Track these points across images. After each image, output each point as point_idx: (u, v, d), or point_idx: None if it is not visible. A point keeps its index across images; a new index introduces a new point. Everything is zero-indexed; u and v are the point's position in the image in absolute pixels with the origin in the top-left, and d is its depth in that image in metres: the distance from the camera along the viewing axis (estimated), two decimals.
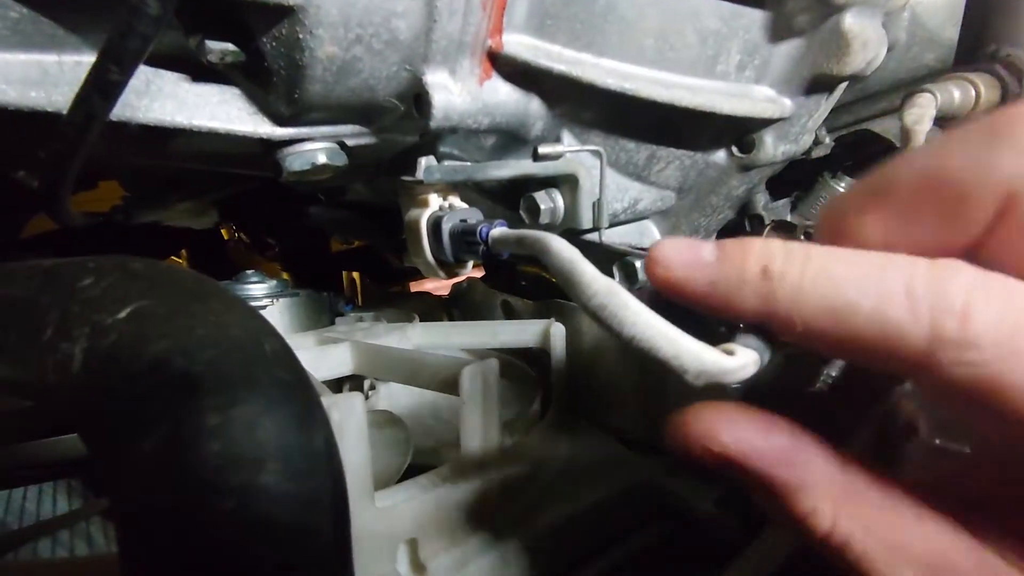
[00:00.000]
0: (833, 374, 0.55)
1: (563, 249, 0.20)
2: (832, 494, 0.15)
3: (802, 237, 0.51)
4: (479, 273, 0.77)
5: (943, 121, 0.31)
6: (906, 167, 0.14)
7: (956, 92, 0.29)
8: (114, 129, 0.25)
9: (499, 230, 0.29)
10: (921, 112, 0.28)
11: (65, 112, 0.24)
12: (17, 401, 0.41)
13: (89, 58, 0.25)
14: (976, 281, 0.12)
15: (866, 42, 0.31)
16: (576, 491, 0.39)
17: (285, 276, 0.80)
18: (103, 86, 0.20)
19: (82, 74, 0.23)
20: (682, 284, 0.15)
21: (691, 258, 0.15)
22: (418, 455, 0.41)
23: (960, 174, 0.13)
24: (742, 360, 0.17)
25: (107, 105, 0.21)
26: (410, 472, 0.35)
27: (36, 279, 0.20)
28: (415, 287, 1.03)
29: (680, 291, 0.16)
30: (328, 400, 0.27)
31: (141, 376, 0.16)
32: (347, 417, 0.27)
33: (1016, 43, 0.31)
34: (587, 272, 0.18)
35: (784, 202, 0.62)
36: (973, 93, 0.30)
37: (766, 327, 0.17)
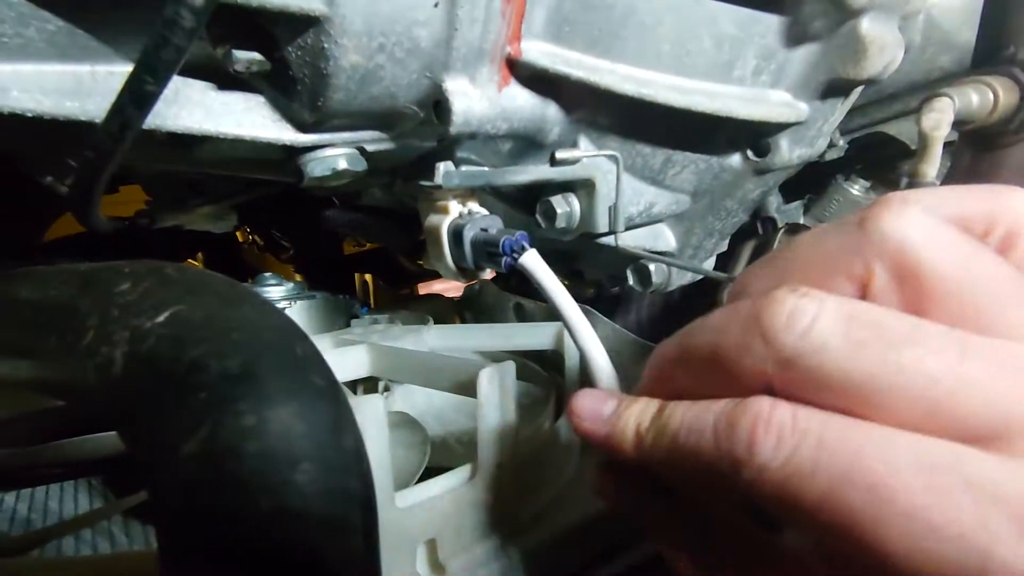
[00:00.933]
0: None
1: (581, 328, 0.21)
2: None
3: None
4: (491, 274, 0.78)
5: (961, 125, 0.31)
6: (698, 340, 0.17)
7: (974, 95, 0.29)
8: (143, 137, 0.26)
9: (530, 259, 0.28)
10: (939, 117, 0.28)
11: (98, 121, 0.24)
12: (39, 403, 0.42)
13: (122, 68, 0.26)
14: (763, 412, 0.15)
15: (883, 46, 0.31)
16: (592, 493, 0.40)
17: (299, 279, 0.81)
18: (138, 96, 0.21)
19: (115, 84, 0.24)
20: (589, 434, 0.20)
21: (594, 413, 0.20)
22: (433, 457, 0.41)
23: (728, 362, 0.16)
24: None
25: (141, 114, 0.22)
26: (425, 474, 0.35)
27: (73, 283, 0.21)
28: (424, 288, 1.04)
29: (589, 438, 0.21)
30: (351, 402, 0.28)
31: (180, 379, 0.16)
32: (369, 418, 0.27)
33: None
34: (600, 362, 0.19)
35: (796, 204, 0.62)
36: (991, 96, 0.30)
37: None
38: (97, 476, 0.49)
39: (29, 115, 0.24)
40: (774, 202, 0.60)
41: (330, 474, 0.17)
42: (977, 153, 0.37)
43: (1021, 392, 0.13)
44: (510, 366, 0.34)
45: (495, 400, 0.33)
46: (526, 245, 0.29)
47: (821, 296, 0.15)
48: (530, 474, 0.38)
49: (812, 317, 0.15)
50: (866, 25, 0.30)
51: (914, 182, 0.30)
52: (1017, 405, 0.13)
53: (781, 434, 0.14)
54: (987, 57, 0.34)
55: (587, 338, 0.22)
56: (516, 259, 0.28)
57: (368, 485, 0.18)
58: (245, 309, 0.19)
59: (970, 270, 0.15)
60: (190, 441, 0.16)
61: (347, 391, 0.35)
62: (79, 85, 0.25)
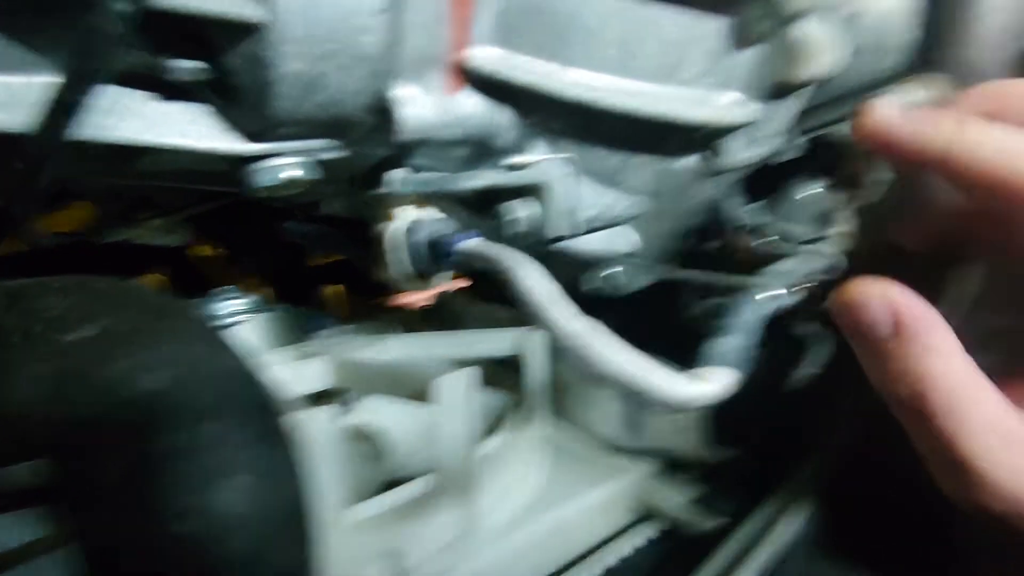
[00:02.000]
0: (813, 371, 0.56)
1: (535, 284, 0.20)
2: None
3: (775, 239, 0.52)
4: (461, 283, 0.77)
5: None
6: None
7: (918, 96, 0.30)
8: (82, 149, 0.25)
9: (470, 243, 0.29)
10: None
11: (29, 133, 0.24)
12: None
13: (55, 79, 0.25)
14: None
15: (826, 48, 0.32)
16: (560, 497, 0.40)
17: (266, 291, 0.79)
18: (67, 107, 0.20)
19: (49, 95, 0.23)
20: (886, 133, 0.22)
21: (897, 112, 0.22)
22: (400, 468, 0.41)
23: None
24: (718, 384, 0.18)
25: (71, 125, 0.21)
26: (389, 486, 0.35)
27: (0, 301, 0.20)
28: (405, 299, 1.03)
29: (883, 140, 0.22)
30: (299, 415, 0.27)
31: (105, 395, 0.16)
32: (319, 432, 0.27)
33: (967, 47, 0.32)
34: (559, 312, 0.19)
35: (760, 204, 0.64)
36: (934, 97, 0.31)
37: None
38: (46, 504, 0.47)
39: None
40: (737, 202, 0.61)
41: (262, 490, 0.16)
42: None
43: None
44: (470, 372, 0.34)
45: (454, 407, 0.33)
46: (480, 241, 0.29)
47: None
48: (494, 481, 0.37)
49: None
50: (808, 27, 0.31)
51: (853, 181, 0.30)
52: None
53: None
54: (926, 58, 0.35)
55: (541, 292, 0.21)
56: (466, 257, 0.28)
57: (306, 499, 0.18)
58: (176, 322, 0.18)
59: None
60: (115, 459, 0.15)
61: (297, 403, 0.34)
62: (10, 96, 0.24)
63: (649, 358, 0.17)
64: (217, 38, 0.25)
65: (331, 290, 0.86)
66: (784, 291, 0.24)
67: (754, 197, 0.64)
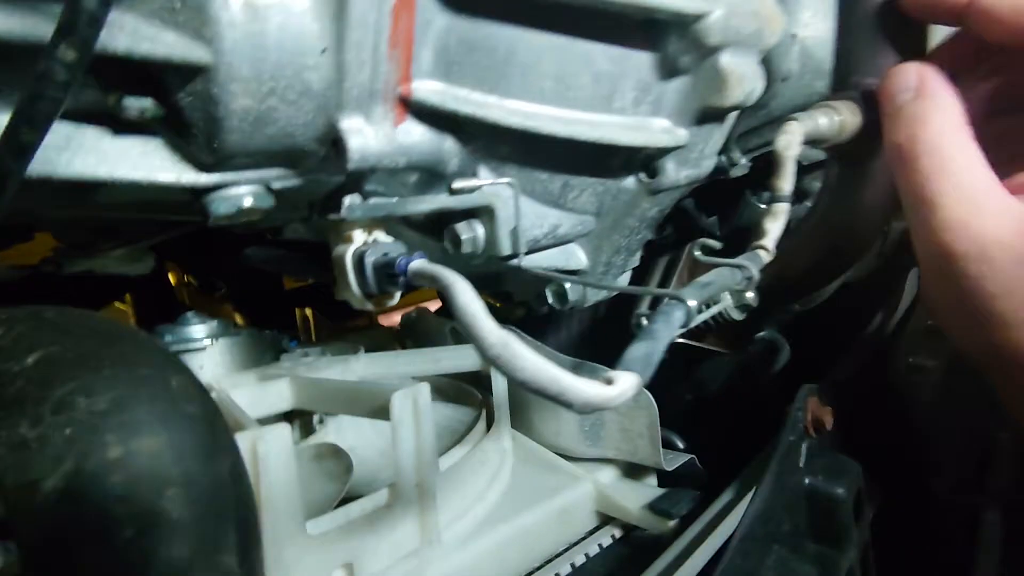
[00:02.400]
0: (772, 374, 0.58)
1: (467, 302, 0.22)
2: None
3: (698, 252, 0.55)
4: (433, 304, 0.79)
5: (816, 144, 0.35)
6: None
7: (822, 119, 0.33)
8: (35, 185, 0.26)
9: (417, 263, 0.30)
10: (789, 138, 0.32)
11: None
12: None
13: (6, 119, 0.26)
14: None
15: (742, 77, 0.34)
16: (519, 507, 0.41)
17: (236, 316, 0.79)
18: (16, 147, 0.22)
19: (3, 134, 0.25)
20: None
21: None
22: (364, 486, 0.41)
23: None
24: (620, 388, 0.20)
25: (21, 165, 0.22)
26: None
27: None
28: (385, 320, 1.03)
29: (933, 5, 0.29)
30: (255, 432, 0.28)
31: (46, 417, 0.17)
32: (272, 448, 0.28)
33: (875, 74, 0.35)
34: (485, 326, 0.21)
35: (713, 220, 0.67)
36: (838, 119, 0.33)
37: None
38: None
39: None
40: (692, 217, 0.64)
41: (200, 499, 0.17)
42: (842, 168, 0.41)
43: None
44: (423, 387, 0.35)
45: (408, 421, 0.34)
46: (423, 262, 0.30)
47: None
48: (452, 493, 0.38)
49: None
50: (725, 59, 0.34)
51: (774, 196, 0.33)
52: None
53: None
54: (840, 83, 0.38)
55: (472, 309, 0.22)
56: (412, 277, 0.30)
57: (246, 506, 0.19)
58: (121, 347, 0.19)
59: None
60: (53, 476, 0.16)
61: (253, 423, 0.35)
62: None
63: (557, 366, 0.19)
64: (166, 78, 0.26)
65: (301, 312, 0.86)
66: (694, 303, 0.26)
67: (709, 211, 0.67)
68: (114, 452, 0.16)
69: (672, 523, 0.38)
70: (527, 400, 0.51)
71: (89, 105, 0.28)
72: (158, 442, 0.17)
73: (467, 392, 0.52)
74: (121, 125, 0.29)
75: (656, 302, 0.55)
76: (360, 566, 0.32)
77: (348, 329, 0.88)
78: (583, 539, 0.41)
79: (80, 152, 0.28)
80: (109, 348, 0.19)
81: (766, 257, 0.32)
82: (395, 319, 1.09)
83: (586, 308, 0.56)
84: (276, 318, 0.83)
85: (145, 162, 0.30)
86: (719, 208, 0.67)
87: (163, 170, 0.30)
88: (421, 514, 0.35)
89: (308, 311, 0.87)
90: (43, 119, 0.21)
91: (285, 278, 0.87)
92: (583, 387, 0.19)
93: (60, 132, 0.27)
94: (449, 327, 0.67)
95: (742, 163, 0.56)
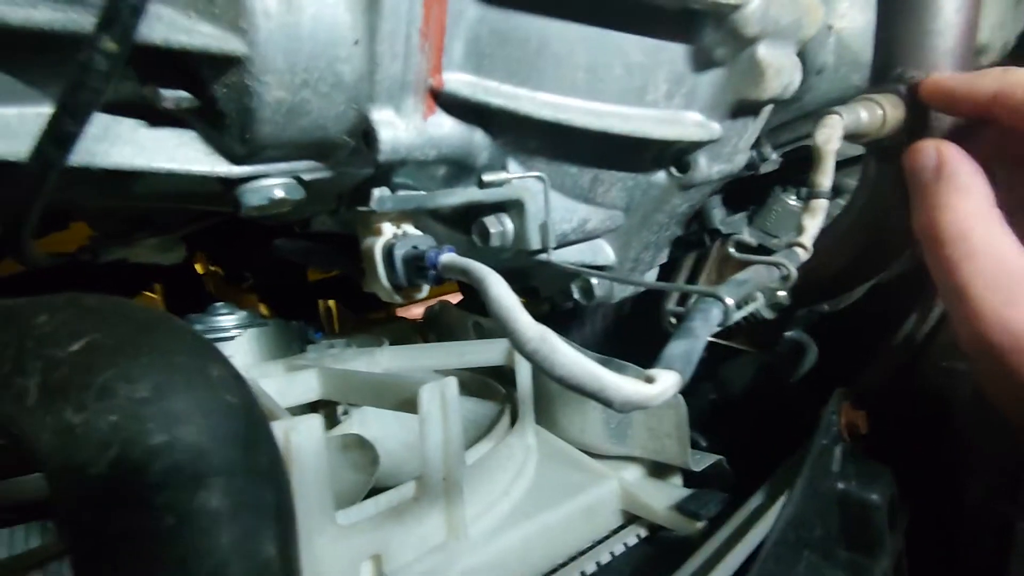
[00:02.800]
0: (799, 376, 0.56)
1: (502, 295, 0.22)
2: None
3: (733, 250, 0.54)
4: (454, 297, 0.79)
5: (856, 139, 0.33)
6: None
7: (863, 112, 0.32)
8: (76, 174, 0.27)
9: (448, 256, 0.30)
10: (830, 132, 0.31)
11: (25, 161, 0.25)
12: None
13: (48, 110, 0.26)
14: None
15: (780, 69, 0.34)
16: (544, 503, 0.41)
17: (262, 307, 0.81)
18: (59, 137, 0.22)
19: (41, 126, 0.25)
20: (946, 89, 0.29)
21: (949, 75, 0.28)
22: (388, 478, 0.42)
23: None
24: (661, 386, 0.19)
25: (63, 154, 0.23)
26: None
27: None
28: (403, 313, 1.04)
29: (944, 95, 0.29)
30: (287, 423, 0.28)
31: (90, 404, 0.17)
32: (304, 439, 0.28)
33: (919, 66, 0.34)
34: (522, 320, 0.20)
35: (740, 216, 0.65)
36: (880, 113, 0.32)
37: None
38: (47, 519, 0.48)
39: None
40: (718, 214, 0.63)
41: (238, 489, 0.17)
42: (880, 163, 0.39)
43: None
44: (451, 381, 0.35)
45: (436, 415, 0.34)
46: (452, 255, 0.30)
47: None
48: (478, 487, 0.38)
49: None
50: (762, 51, 0.33)
51: (813, 192, 0.32)
52: None
53: None
54: (881, 76, 0.37)
55: (507, 303, 0.22)
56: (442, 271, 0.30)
57: (284, 497, 0.19)
58: (159, 335, 0.19)
59: None
60: (98, 463, 0.16)
61: (285, 412, 0.35)
62: (6, 127, 0.26)
63: (597, 363, 0.19)
64: (202, 70, 0.26)
65: (324, 304, 0.87)
66: (731, 302, 0.25)
67: (736, 208, 0.66)
68: (157, 440, 0.17)
69: (700, 525, 0.38)
70: (551, 396, 0.51)
71: (126, 97, 0.28)
72: (199, 431, 0.17)
73: (490, 387, 0.52)
74: (157, 117, 0.30)
75: (685, 299, 0.54)
76: (388, 557, 0.32)
77: (370, 321, 0.89)
78: (608, 537, 0.41)
79: (118, 143, 0.28)
80: (148, 336, 0.19)
81: (803, 255, 0.31)
82: (413, 312, 1.10)
83: (610, 304, 0.55)
84: (300, 309, 0.84)
85: (180, 153, 0.30)
86: (744, 205, 0.66)
87: (197, 161, 0.31)
88: (448, 508, 0.35)
89: (331, 303, 0.88)
90: (85, 109, 0.22)
91: (309, 270, 0.88)
92: (623, 384, 0.18)
93: (99, 123, 0.27)
94: (472, 321, 0.67)
95: (772, 158, 0.55)
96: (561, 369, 0.19)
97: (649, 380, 0.19)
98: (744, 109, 0.36)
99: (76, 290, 0.22)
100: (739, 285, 0.27)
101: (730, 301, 0.26)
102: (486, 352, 0.48)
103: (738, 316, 0.31)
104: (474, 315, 0.68)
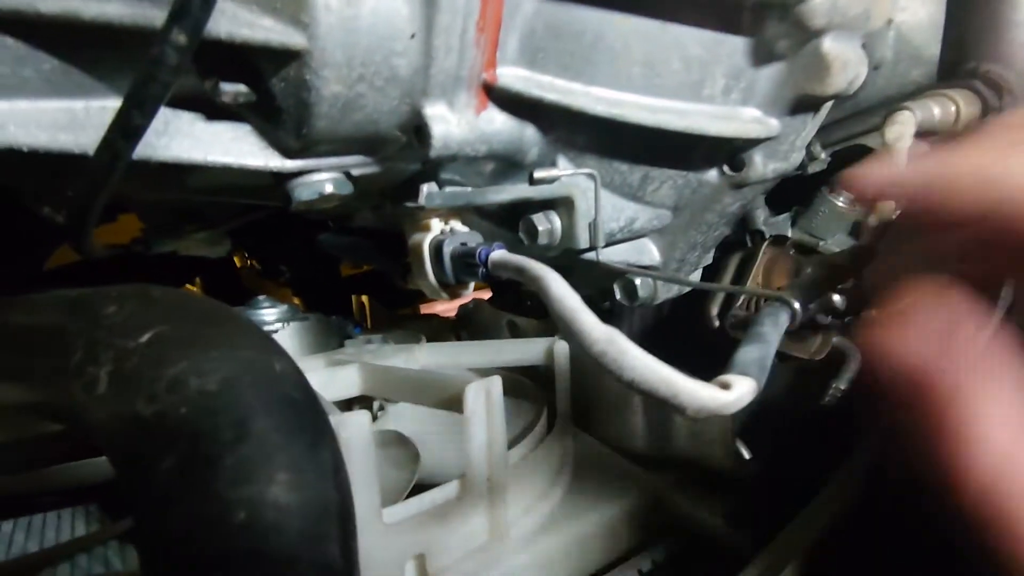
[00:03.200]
0: (842, 387, 0.55)
1: (565, 295, 0.21)
2: None
3: (792, 252, 0.52)
4: (486, 294, 0.79)
5: (925, 136, 0.32)
6: None
7: (936, 108, 0.30)
8: (136, 167, 0.27)
9: (500, 253, 0.30)
10: (901, 129, 0.29)
11: (91, 153, 0.25)
12: (37, 428, 0.42)
13: (113, 103, 0.27)
14: None
15: (846, 63, 0.32)
16: (584, 507, 0.40)
17: (296, 301, 0.82)
18: (127, 129, 0.22)
19: (106, 118, 0.25)
20: (887, 189, 0.20)
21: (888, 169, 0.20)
22: (426, 476, 0.41)
23: None
24: (738, 393, 0.18)
25: (130, 146, 0.23)
26: (417, 492, 0.36)
27: (63, 308, 0.22)
28: (426, 310, 1.05)
29: (881, 195, 0.21)
30: (336, 419, 0.28)
31: (160, 396, 0.17)
32: (354, 435, 0.28)
33: (995, 59, 0.32)
34: (587, 320, 0.20)
35: (784, 216, 0.63)
36: (953, 109, 0.31)
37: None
38: (92, 503, 0.49)
39: (25, 149, 0.25)
40: (761, 215, 0.61)
41: (306, 485, 0.17)
42: None
43: None
44: (496, 381, 0.35)
45: (481, 415, 0.34)
46: (503, 253, 0.30)
47: None
48: (520, 489, 0.38)
49: None
50: (828, 44, 0.32)
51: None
52: None
53: None
54: (951, 71, 0.35)
55: (571, 303, 0.21)
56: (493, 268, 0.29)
57: (346, 496, 0.19)
58: (225, 328, 0.19)
59: None
60: (168, 457, 0.16)
61: (334, 408, 0.35)
62: (73, 120, 0.26)
63: (670, 366, 0.18)
64: (261, 64, 0.26)
65: (357, 299, 0.88)
66: (798, 304, 0.25)
67: (780, 209, 0.64)
68: (227, 435, 0.16)
69: (747, 536, 0.37)
70: (590, 397, 0.50)
71: (185, 91, 0.28)
72: (267, 427, 0.17)
73: (525, 386, 0.52)
74: (213, 111, 0.30)
75: (729, 301, 0.53)
76: (431, 558, 0.32)
77: (403, 317, 0.89)
78: (649, 544, 0.40)
79: (177, 136, 0.29)
80: (215, 329, 0.19)
81: (866, 256, 0.30)
82: (435, 308, 1.10)
83: (647, 307, 0.54)
84: (332, 304, 0.85)
85: (236, 147, 0.30)
86: (788, 205, 0.64)
87: (252, 155, 0.31)
88: (491, 509, 0.34)
89: (364, 298, 0.88)
90: (153, 102, 0.22)
91: (342, 266, 0.89)
92: (698, 390, 0.18)
93: (159, 117, 0.27)
94: (506, 320, 0.67)
95: (822, 157, 0.53)
96: (631, 372, 0.18)
97: (724, 386, 0.18)
98: (804, 105, 0.35)
99: (120, 282, 0.23)
100: (802, 288, 0.26)
101: (798, 305, 0.25)
102: (525, 351, 0.47)
103: (805, 318, 0.30)
104: (508, 313, 0.67)
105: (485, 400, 0.34)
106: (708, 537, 0.40)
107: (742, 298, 0.49)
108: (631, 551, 0.40)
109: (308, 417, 0.18)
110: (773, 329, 0.22)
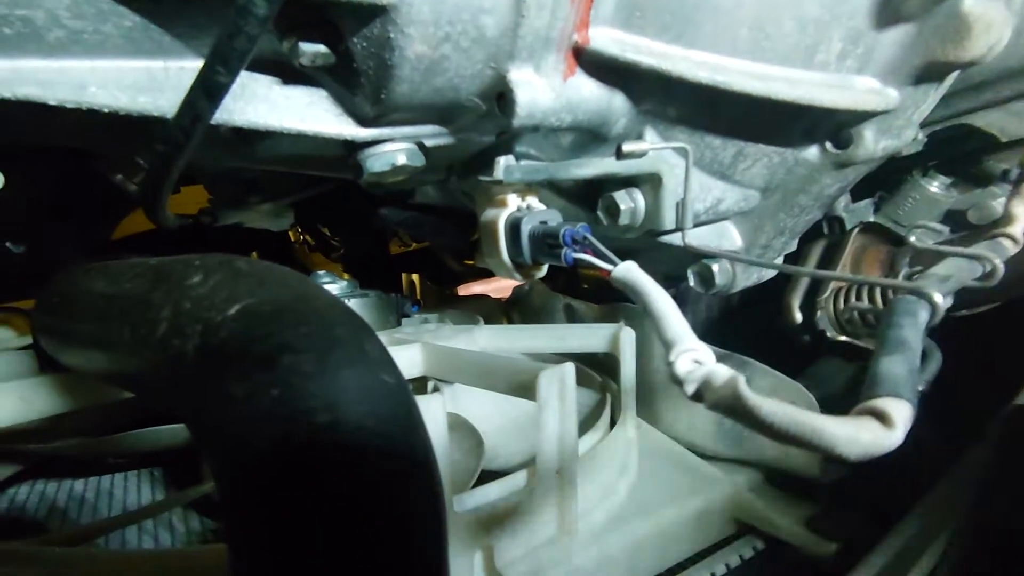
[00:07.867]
0: (920, 388, 0.50)
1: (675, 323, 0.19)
2: None
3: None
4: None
5: None
6: None
7: None
8: (209, 133, 0.26)
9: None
10: None
11: (169, 116, 0.24)
12: (109, 394, 0.43)
13: (192, 63, 0.26)
14: None
15: (989, 24, 0.28)
16: (653, 504, 0.38)
17: (347, 277, 0.81)
18: (210, 87, 0.21)
19: (186, 79, 0.24)
20: None
21: None
22: (489, 460, 0.40)
23: None
24: (901, 425, 0.16)
25: (212, 107, 0.22)
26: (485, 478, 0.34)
27: (146, 277, 0.21)
28: (463, 290, 1.03)
29: None
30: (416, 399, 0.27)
31: (252, 375, 0.16)
32: (430, 419, 0.26)
33: None
34: (718, 371, 0.18)
35: (866, 203, 0.58)
36: None
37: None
38: (159, 467, 0.50)
39: (106, 111, 0.24)
40: (841, 201, 0.56)
41: (404, 474, 0.16)
42: None
43: None
44: (569, 368, 0.33)
45: (554, 403, 0.32)
46: (589, 236, 0.28)
47: None
48: (591, 482, 0.36)
49: None
50: (969, 2, 0.28)
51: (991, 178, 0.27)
52: None
53: None
54: None
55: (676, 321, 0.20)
56: (577, 251, 0.27)
57: (437, 485, 0.17)
58: (315, 304, 0.18)
59: None
60: (261, 438, 0.15)
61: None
62: (152, 80, 0.25)
63: (806, 410, 0.16)
64: (345, 21, 0.25)
65: (408, 277, 0.87)
66: (941, 299, 0.22)
67: (860, 194, 0.59)
68: (322, 419, 0.15)
69: (834, 547, 0.34)
70: (653, 387, 0.48)
71: (262, 53, 0.27)
72: (363, 411, 0.16)
73: (586, 374, 0.50)
74: (289, 75, 0.29)
75: (815, 287, 0.49)
76: (500, 550, 0.30)
77: (453, 296, 0.88)
78: (721, 546, 0.38)
79: (253, 101, 0.27)
80: (305, 304, 0.18)
81: (1012, 248, 0.26)
82: (474, 289, 1.08)
83: (720, 295, 0.51)
84: (383, 282, 0.84)
85: (310, 113, 0.29)
86: (870, 190, 0.59)
87: (326, 122, 0.29)
88: (560, 502, 0.32)
89: (415, 276, 0.88)
90: (239, 58, 0.20)
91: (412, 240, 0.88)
92: (856, 434, 0.15)
93: (236, 79, 0.26)
94: (563, 304, 0.65)
95: (919, 138, 0.48)
96: (769, 418, 0.16)
97: (879, 416, 0.16)
98: (930, 74, 0.31)
99: (178, 254, 0.22)
100: (943, 281, 0.23)
101: (939, 299, 0.22)
102: (589, 338, 0.45)
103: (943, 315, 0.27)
104: (564, 297, 0.65)
105: (559, 388, 0.32)
106: (786, 545, 0.37)
107: (854, 289, 0.45)
108: (702, 553, 0.38)
109: (402, 402, 0.17)
110: (914, 331, 0.19)
